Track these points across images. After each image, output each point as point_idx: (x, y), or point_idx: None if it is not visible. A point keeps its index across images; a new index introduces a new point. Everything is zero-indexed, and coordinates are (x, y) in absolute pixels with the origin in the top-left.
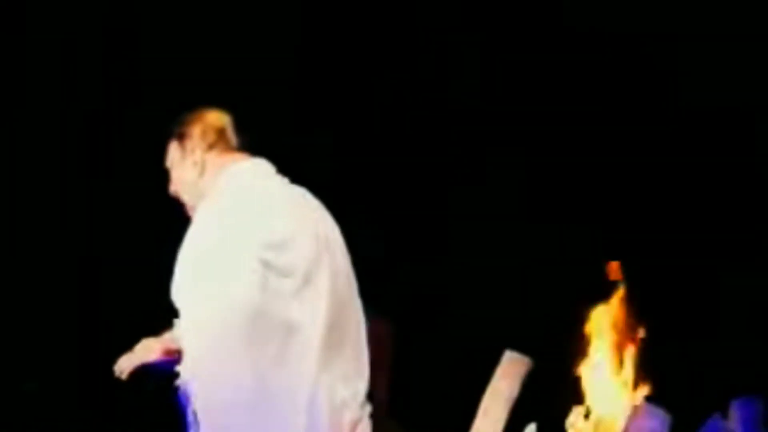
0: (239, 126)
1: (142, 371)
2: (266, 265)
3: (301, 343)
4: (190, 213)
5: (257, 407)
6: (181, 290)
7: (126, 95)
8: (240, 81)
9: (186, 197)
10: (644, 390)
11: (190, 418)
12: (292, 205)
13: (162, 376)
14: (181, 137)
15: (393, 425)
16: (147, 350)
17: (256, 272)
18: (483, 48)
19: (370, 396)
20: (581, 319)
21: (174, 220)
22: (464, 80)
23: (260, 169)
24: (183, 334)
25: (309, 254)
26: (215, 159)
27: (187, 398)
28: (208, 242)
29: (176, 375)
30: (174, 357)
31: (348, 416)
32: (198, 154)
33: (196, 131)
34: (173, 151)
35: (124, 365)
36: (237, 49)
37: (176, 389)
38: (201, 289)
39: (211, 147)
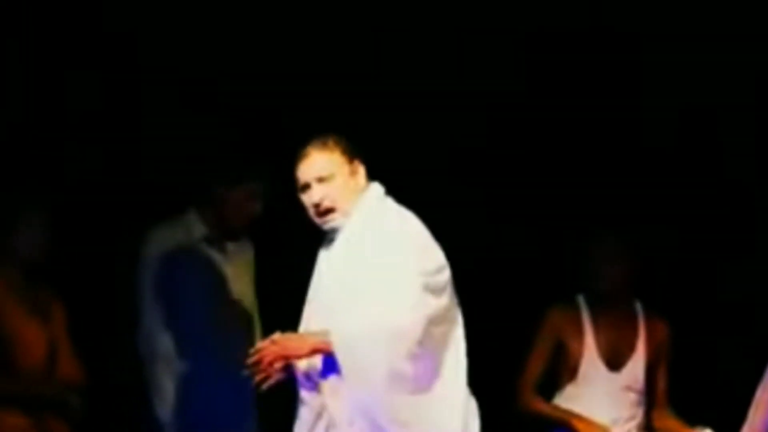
0: None
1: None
2: (426, 287)
3: (455, 357)
4: (330, 223)
5: (420, 420)
6: (352, 305)
7: None
8: None
9: (339, 214)
10: None
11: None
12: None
13: None
14: (352, 154)
15: (671, 415)
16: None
17: (422, 295)
18: None
19: None
20: None
21: None
22: None
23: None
24: (347, 348)
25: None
26: (366, 183)
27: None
28: (388, 265)
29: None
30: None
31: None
32: (361, 172)
33: (354, 149)
34: (338, 162)
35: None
36: None
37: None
38: (377, 308)
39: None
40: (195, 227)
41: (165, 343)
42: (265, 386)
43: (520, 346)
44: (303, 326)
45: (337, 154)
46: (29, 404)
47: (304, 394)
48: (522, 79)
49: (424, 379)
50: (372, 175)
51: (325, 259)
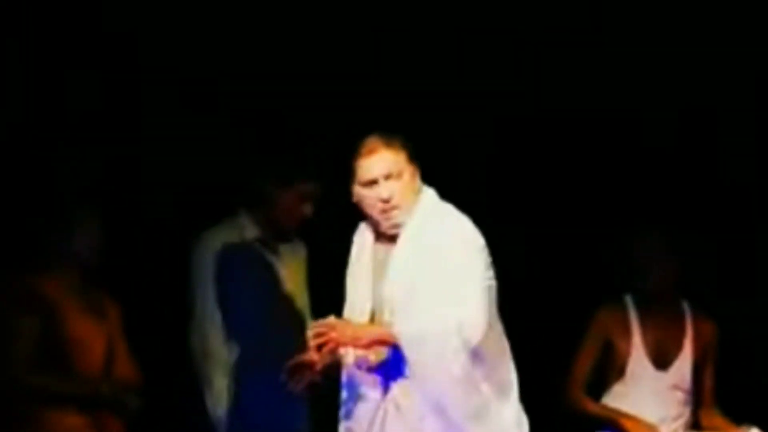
0: None
1: None
2: (489, 287)
3: (507, 355)
4: (394, 220)
5: (480, 416)
6: (417, 302)
7: None
8: None
9: (402, 211)
10: None
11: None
12: None
13: None
14: (408, 150)
15: (718, 414)
16: (356, 338)
17: (485, 294)
18: None
19: None
20: None
21: None
22: None
23: None
24: (417, 342)
25: None
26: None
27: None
28: (456, 265)
29: None
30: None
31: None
32: (418, 175)
33: (413, 151)
34: (404, 162)
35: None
36: None
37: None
38: (445, 305)
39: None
40: (247, 229)
41: (218, 342)
42: (318, 369)
43: (569, 346)
44: (348, 316)
45: (404, 155)
46: (86, 404)
47: (363, 389)
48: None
49: (490, 376)
50: None
51: (376, 254)
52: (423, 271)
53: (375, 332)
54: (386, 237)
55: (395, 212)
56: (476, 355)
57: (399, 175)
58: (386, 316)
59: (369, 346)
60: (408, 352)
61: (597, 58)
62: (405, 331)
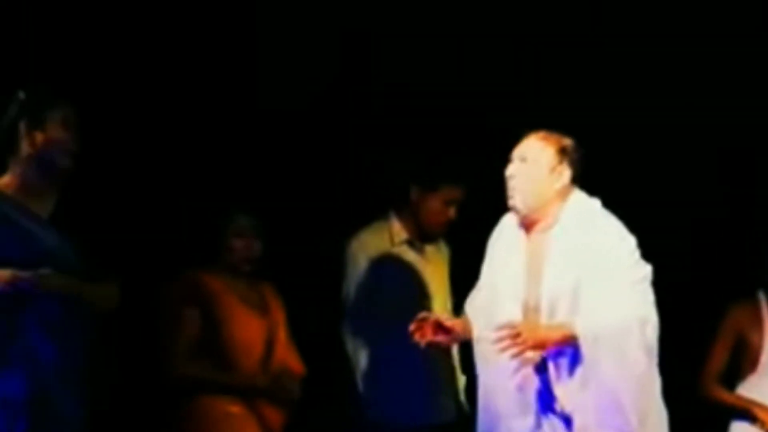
0: None
1: None
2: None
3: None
4: (511, 201)
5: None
6: (582, 302)
7: None
8: None
9: (520, 197)
10: None
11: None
12: None
13: None
14: (564, 150)
15: None
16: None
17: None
18: None
19: None
20: None
21: None
22: None
23: None
24: (600, 340)
25: None
26: (570, 188)
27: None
28: (622, 266)
29: None
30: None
31: None
32: (566, 176)
33: (575, 158)
34: (546, 154)
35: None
36: None
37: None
38: (618, 304)
39: (573, 179)
40: (396, 232)
41: (368, 336)
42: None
43: (705, 340)
44: (486, 315)
45: (551, 149)
46: (243, 394)
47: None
48: None
49: (654, 378)
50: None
51: (520, 251)
52: (585, 269)
53: (559, 334)
54: (534, 233)
55: (512, 194)
56: (650, 353)
57: (532, 163)
58: (544, 316)
59: (554, 347)
60: (588, 350)
61: None
62: (587, 329)
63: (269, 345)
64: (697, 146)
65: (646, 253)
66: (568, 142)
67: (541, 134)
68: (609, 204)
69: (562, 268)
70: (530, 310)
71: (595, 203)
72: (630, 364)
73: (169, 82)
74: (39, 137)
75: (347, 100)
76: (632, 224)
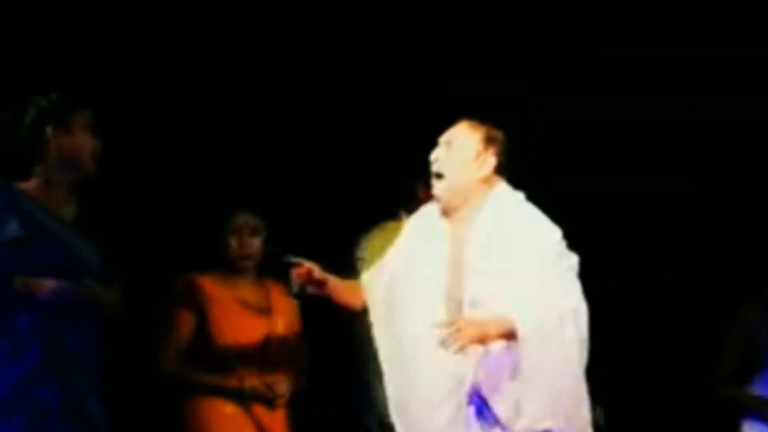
0: None
1: None
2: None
3: None
4: (436, 187)
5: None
6: (510, 291)
7: None
8: None
9: (444, 182)
10: None
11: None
12: None
13: None
14: (491, 138)
15: None
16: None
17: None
18: None
19: None
20: None
21: None
22: None
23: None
24: (538, 332)
25: None
26: (494, 178)
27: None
28: (550, 253)
29: None
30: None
31: None
32: (491, 164)
33: (502, 146)
34: (472, 139)
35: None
36: None
37: None
38: (553, 294)
39: (499, 170)
40: None
41: None
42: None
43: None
44: (399, 301)
45: (477, 135)
46: (235, 396)
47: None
48: None
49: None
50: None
51: (442, 239)
52: (511, 259)
53: (499, 329)
54: (456, 221)
55: (437, 179)
56: (582, 344)
57: (456, 147)
58: (466, 305)
59: (494, 340)
60: (527, 344)
61: None
62: (526, 324)
63: (266, 345)
64: (698, 146)
65: (648, 252)
66: (496, 132)
67: (471, 122)
68: (607, 200)
69: (486, 256)
70: (451, 299)
71: (519, 195)
72: (567, 356)
73: (169, 83)
74: (66, 141)
75: (347, 100)
76: (631, 222)
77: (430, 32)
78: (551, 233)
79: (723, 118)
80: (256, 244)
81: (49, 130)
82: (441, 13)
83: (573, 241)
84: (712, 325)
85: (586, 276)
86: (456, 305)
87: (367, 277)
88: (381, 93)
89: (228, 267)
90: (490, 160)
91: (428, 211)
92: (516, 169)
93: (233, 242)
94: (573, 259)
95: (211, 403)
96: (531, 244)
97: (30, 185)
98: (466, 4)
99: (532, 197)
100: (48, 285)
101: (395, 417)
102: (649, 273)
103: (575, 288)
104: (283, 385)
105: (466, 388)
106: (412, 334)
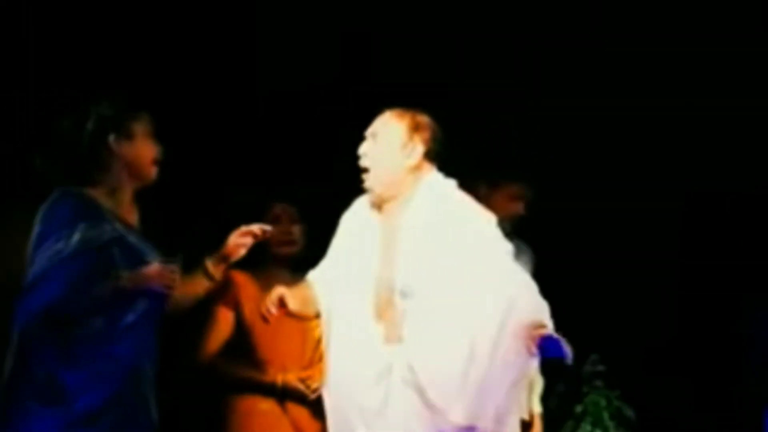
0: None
1: None
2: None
3: None
4: (365, 182)
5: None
6: (453, 282)
7: None
8: None
9: (373, 175)
10: None
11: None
12: None
13: None
14: (416, 126)
15: None
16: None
17: None
18: None
19: None
20: None
21: None
22: None
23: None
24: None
25: None
26: (424, 165)
27: None
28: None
29: None
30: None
31: None
32: (419, 152)
33: (430, 132)
34: (398, 130)
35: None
36: None
37: None
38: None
39: (428, 157)
40: None
41: None
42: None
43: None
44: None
45: (402, 124)
46: (270, 392)
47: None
48: None
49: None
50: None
51: (374, 230)
52: (444, 246)
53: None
54: (388, 211)
55: (365, 174)
56: (516, 334)
57: (381, 140)
58: (397, 295)
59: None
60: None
61: None
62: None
63: (301, 342)
64: (698, 146)
65: (648, 252)
66: (422, 118)
67: (395, 111)
68: (607, 198)
69: (417, 246)
70: (385, 289)
71: (451, 182)
72: (503, 347)
73: (169, 83)
74: (129, 149)
75: (347, 100)
76: (636, 218)
77: (430, 32)
78: (486, 219)
79: (723, 118)
80: (297, 231)
81: (111, 138)
82: (441, 13)
83: (573, 241)
84: (712, 325)
85: (587, 276)
86: (388, 295)
87: (313, 275)
88: (381, 93)
89: (268, 261)
90: (418, 148)
91: (361, 204)
92: (516, 169)
93: (274, 231)
94: (507, 245)
95: (246, 400)
96: (466, 230)
97: (97, 193)
98: (466, 4)
99: (532, 197)
100: (154, 270)
101: (326, 396)
102: (649, 273)
103: (511, 274)
104: (317, 381)
105: (394, 376)
106: (346, 324)
